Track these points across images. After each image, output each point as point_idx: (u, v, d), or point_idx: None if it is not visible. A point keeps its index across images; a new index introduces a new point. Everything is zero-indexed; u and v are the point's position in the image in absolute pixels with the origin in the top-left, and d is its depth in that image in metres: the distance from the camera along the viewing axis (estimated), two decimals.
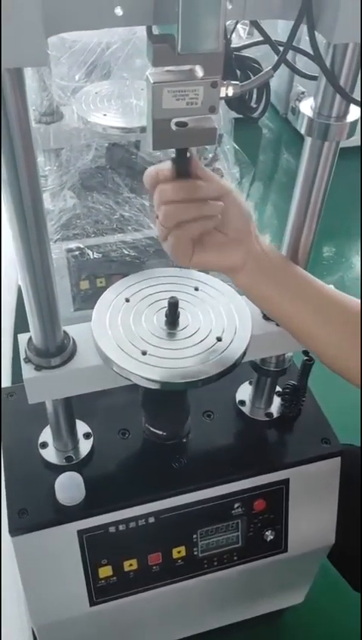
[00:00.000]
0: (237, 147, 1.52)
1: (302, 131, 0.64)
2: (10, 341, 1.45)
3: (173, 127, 0.56)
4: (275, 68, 0.57)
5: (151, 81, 0.53)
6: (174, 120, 0.56)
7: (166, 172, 0.60)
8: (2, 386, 1.00)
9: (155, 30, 0.54)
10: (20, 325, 0.97)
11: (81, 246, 1.37)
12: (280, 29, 1.23)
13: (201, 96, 0.55)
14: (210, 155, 1.50)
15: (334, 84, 0.58)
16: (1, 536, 0.83)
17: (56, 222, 1.36)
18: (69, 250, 1.37)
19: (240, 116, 1.24)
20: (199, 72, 0.54)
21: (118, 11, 0.52)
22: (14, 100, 0.52)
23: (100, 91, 1.38)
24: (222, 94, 0.56)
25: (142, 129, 1.28)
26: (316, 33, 0.55)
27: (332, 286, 0.70)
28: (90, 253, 1.37)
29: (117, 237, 1.38)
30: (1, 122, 0.53)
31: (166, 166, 0.61)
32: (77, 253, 1.38)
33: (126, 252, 1.39)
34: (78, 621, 0.89)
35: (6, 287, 1.48)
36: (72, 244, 1.37)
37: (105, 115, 1.31)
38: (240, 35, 1.26)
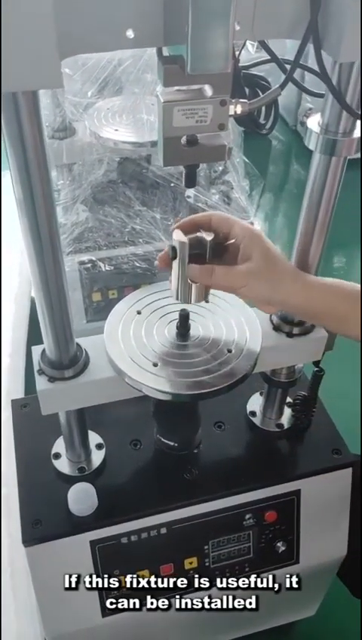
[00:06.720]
0: (246, 160, 1.54)
1: (311, 147, 0.65)
2: (23, 353, 1.47)
3: (184, 145, 0.57)
4: (282, 86, 0.58)
5: (162, 101, 0.55)
6: (184, 137, 0.57)
7: None
8: (16, 397, 1.02)
9: (165, 51, 0.56)
10: (34, 337, 0.98)
11: (93, 258, 1.40)
12: (289, 45, 1.25)
13: (211, 114, 0.56)
14: (220, 168, 1.52)
15: (341, 101, 0.59)
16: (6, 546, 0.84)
17: (68, 235, 1.39)
18: (82, 263, 1.39)
19: None
20: (208, 91, 0.55)
21: (130, 34, 0.53)
22: (29, 121, 0.53)
23: (112, 107, 1.40)
24: (231, 112, 0.57)
25: (153, 143, 1.30)
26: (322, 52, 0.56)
27: None
28: (102, 265, 1.39)
29: (128, 249, 1.40)
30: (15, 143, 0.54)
31: None
32: (89, 265, 1.40)
33: (137, 264, 1.40)
34: (90, 632, 0.89)
35: (19, 299, 1.50)
36: (85, 257, 1.39)
37: (116, 130, 1.34)
38: (249, 51, 1.28)
